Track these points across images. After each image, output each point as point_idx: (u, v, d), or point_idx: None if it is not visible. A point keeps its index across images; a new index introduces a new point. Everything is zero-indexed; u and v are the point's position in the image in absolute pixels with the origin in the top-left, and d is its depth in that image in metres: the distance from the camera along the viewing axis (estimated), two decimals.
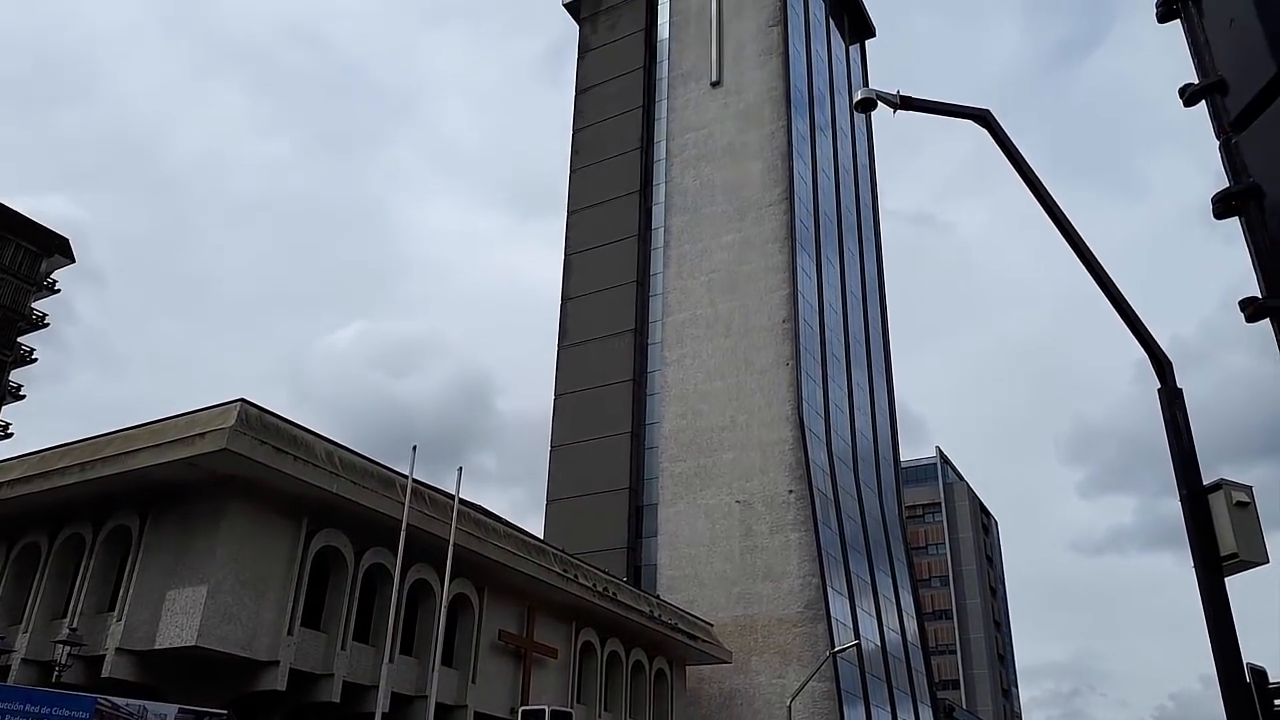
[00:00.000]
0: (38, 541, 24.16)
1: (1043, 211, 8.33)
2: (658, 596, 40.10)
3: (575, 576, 31.71)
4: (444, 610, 24.15)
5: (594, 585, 32.55)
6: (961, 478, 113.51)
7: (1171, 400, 7.13)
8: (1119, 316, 7.69)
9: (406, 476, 23.03)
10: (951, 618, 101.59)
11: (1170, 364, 7.37)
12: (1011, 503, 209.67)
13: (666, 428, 49.49)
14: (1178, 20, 5.14)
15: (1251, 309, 4.49)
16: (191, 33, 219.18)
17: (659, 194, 56.06)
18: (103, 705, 16.91)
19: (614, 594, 33.68)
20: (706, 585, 44.63)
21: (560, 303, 56.72)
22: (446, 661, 26.29)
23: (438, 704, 23.37)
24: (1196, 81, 4.93)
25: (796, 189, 51.90)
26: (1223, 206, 4.59)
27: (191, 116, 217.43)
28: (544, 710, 17.85)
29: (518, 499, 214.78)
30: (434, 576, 25.88)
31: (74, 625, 21.10)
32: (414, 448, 22.89)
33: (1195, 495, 6.63)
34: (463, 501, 24.38)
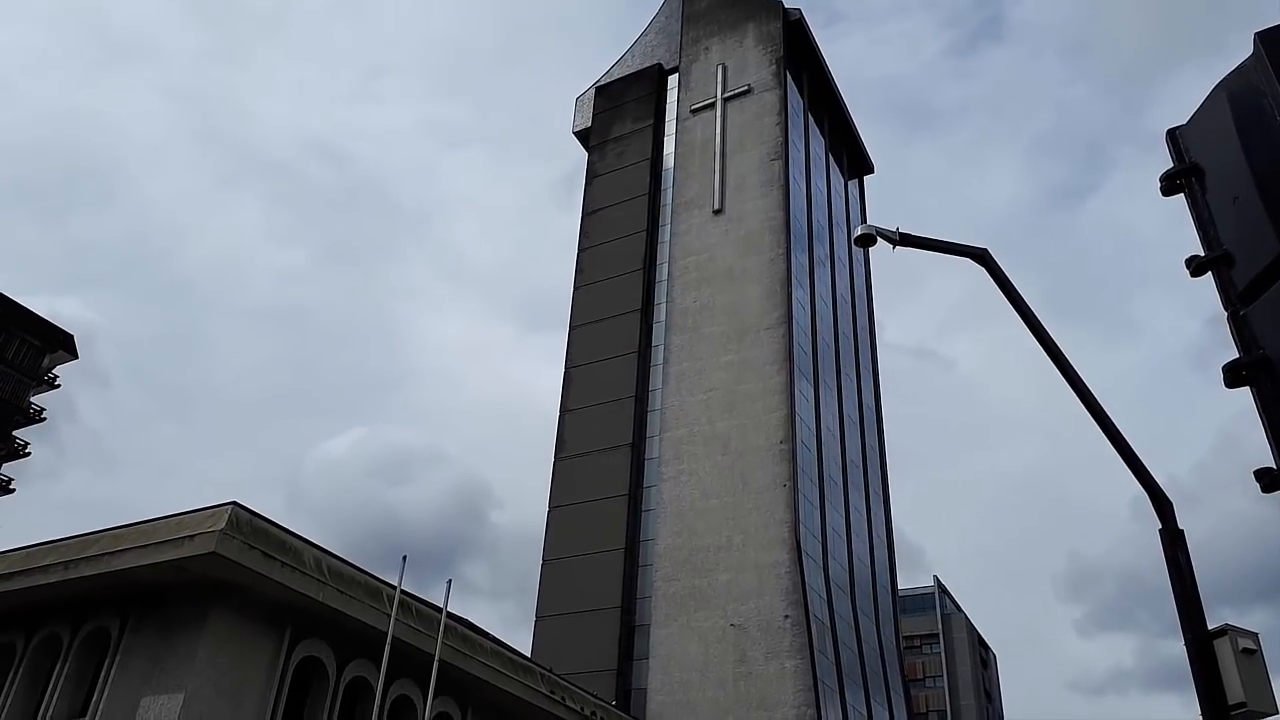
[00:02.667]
0: (14, 642, 23.50)
1: (1038, 350, 8.47)
2: None
3: (563, 699, 30.72)
4: None
5: (581, 709, 31.50)
6: (959, 609, 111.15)
7: (1174, 541, 7.10)
8: (1119, 456, 7.73)
9: (395, 587, 22.62)
10: None
11: (1171, 504, 7.37)
12: (1010, 637, 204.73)
13: (661, 545, 48.81)
14: (1181, 195, 5.37)
15: (1267, 480, 4.55)
16: (220, 145, 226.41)
17: (660, 313, 56.86)
18: None
19: (602, 719, 32.55)
20: (699, 713, 43.18)
21: (559, 415, 56.80)
22: None
23: None
24: (1201, 253, 5.12)
25: (795, 314, 52.69)
26: (1233, 377, 4.69)
27: (210, 224, 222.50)
28: None
29: (508, 613, 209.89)
30: (417, 693, 25.08)
31: None
32: (404, 558, 22.59)
33: (1200, 641, 6.53)
34: (451, 615, 23.86)
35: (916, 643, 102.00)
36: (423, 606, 25.39)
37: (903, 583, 75.71)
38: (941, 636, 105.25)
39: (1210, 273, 5.03)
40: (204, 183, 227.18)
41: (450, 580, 23.89)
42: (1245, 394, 4.67)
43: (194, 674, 20.50)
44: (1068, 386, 8.22)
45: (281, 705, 22.27)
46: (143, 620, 21.86)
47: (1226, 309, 4.89)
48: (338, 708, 23.81)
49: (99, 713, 20.74)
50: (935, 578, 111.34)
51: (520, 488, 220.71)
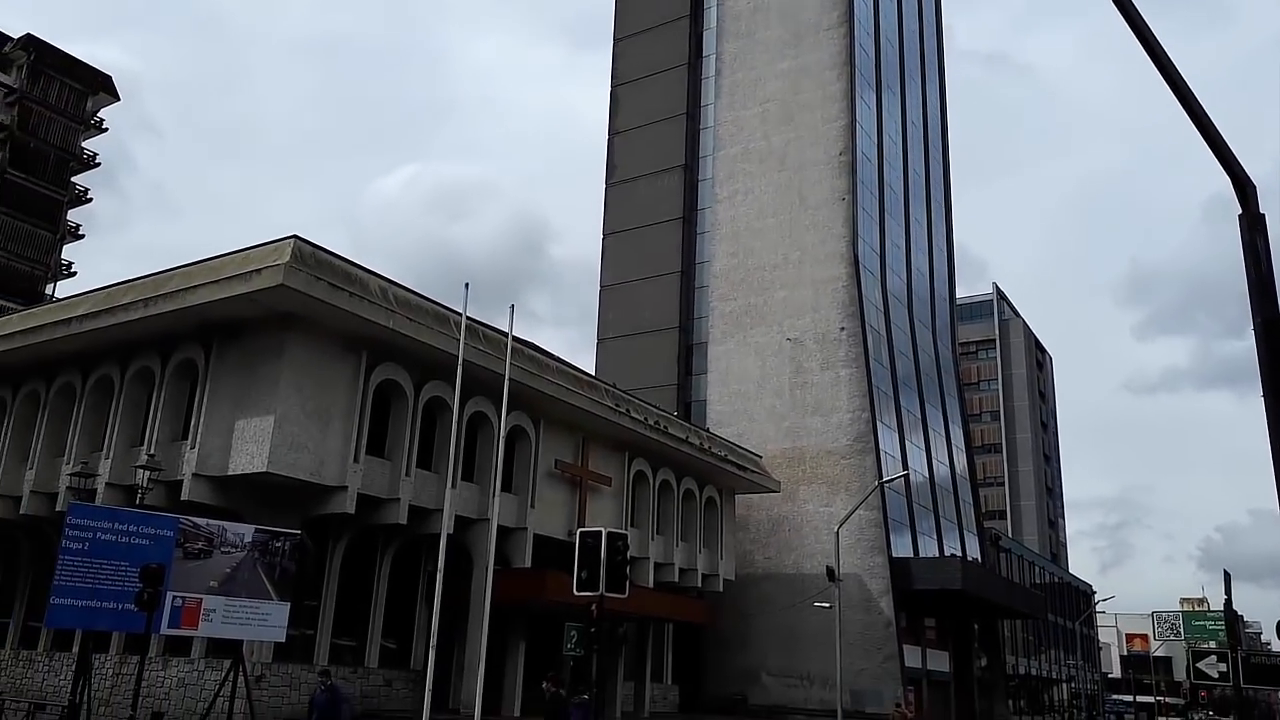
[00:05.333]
0: (110, 374, 25.17)
1: (1125, 37, 7.67)
2: (707, 430, 40.94)
3: (627, 411, 32.37)
4: (502, 441, 24.91)
5: (645, 419, 33.25)
6: (1017, 314, 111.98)
7: (1253, 225, 6.74)
8: (1202, 137, 7.18)
9: (460, 313, 23.30)
10: (1001, 451, 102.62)
11: (1254, 187, 6.93)
12: (1067, 341, 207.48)
13: (717, 266, 49.08)
14: None
15: None
16: None
17: (710, 18, 53.46)
18: (185, 525, 17.98)
19: (665, 427, 34.42)
20: (756, 420, 45.34)
21: (608, 138, 55.43)
22: (506, 488, 27.38)
23: (499, 526, 24.51)
24: None
25: (857, 12, 49.06)
26: None
27: None
28: (600, 532, 18.54)
29: (571, 338, 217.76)
30: (491, 409, 26.60)
31: (152, 451, 22.20)
32: (466, 285, 23.00)
33: (1270, 323, 6.35)
34: (516, 338, 24.70)
35: (973, 348, 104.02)
36: (489, 331, 26.30)
37: (961, 292, 75.98)
38: (998, 341, 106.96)
39: None
40: None
41: (513, 305, 24.43)
42: None
43: (280, 399, 21.87)
44: (1148, 82, 7.53)
45: (366, 423, 23.85)
46: (225, 351, 23.07)
47: None
48: (419, 424, 25.46)
49: (198, 435, 22.48)
50: (994, 284, 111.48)
51: (576, 217, 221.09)
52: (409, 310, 24.00)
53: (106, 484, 23.51)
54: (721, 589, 38.62)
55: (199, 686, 22.10)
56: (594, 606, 18.05)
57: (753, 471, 39.75)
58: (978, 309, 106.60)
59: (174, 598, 17.08)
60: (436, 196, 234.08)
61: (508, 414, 24.35)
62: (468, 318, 23.22)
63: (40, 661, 25.60)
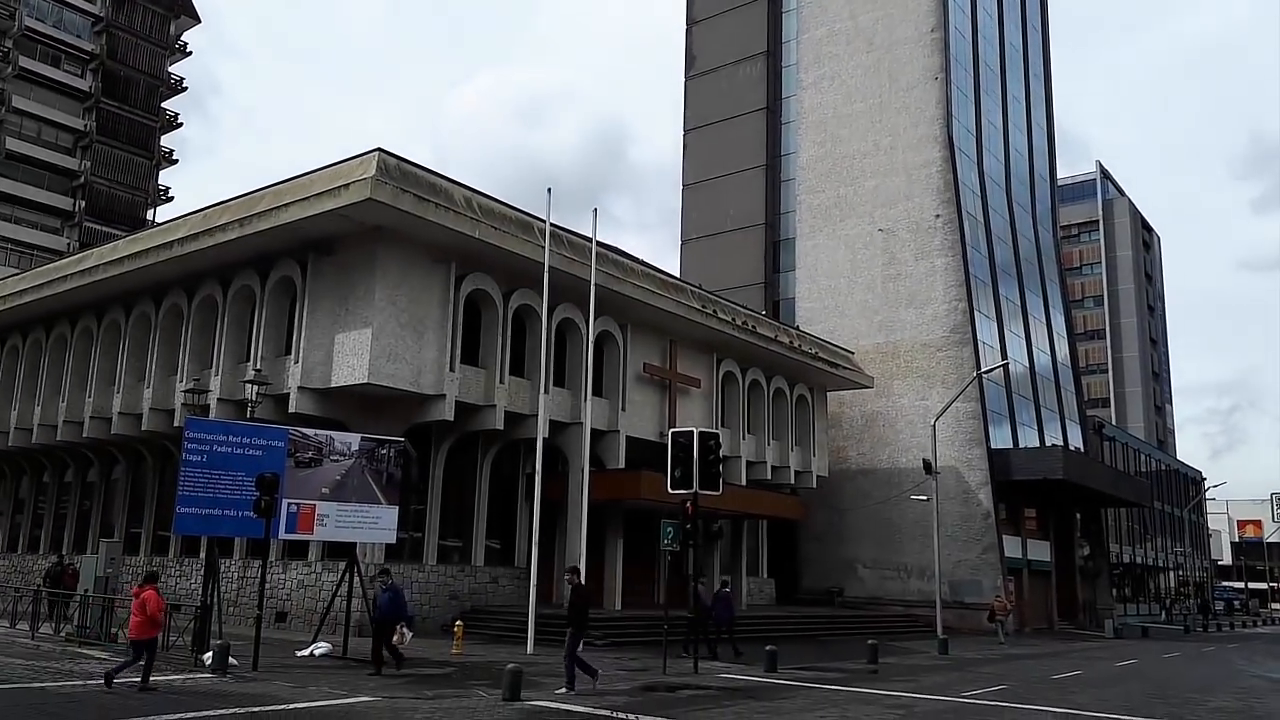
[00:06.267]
0: (213, 294, 26.04)
1: None
2: (797, 328, 40.43)
3: (714, 311, 32.10)
4: (590, 345, 25.08)
5: (732, 319, 32.95)
6: (1122, 193, 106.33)
7: None
8: None
9: (544, 220, 23.19)
10: (1104, 338, 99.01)
11: None
12: (1176, 220, 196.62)
13: (804, 157, 47.59)
14: None
15: None
16: None
17: None
18: (294, 435, 18.67)
19: (753, 327, 34.08)
20: (847, 315, 44.52)
21: (685, 28, 53.64)
22: (597, 392, 27.66)
23: (591, 429, 24.85)
24: None
25: None
26: None
27: None
28: (692, 433, 18.62)
29: (655, 242, 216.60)
30: (578, 315, 26.69)
31: (258, 367, 23.03)
32: (549, 190, 22.82)
33: None
34: (600, 243, 24.52)
35: (1075, 231, 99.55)
36: (573, 237, 26.17)
37: (1062, 173, 72.29)
38: (1101, 223, 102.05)
39: None
40: None
41: (595, 210, 24.16)
42: None
43: (376, 311, 22.32)
44: None
45: (459, 333, 24.23)
46: (321, 267, 23.55)
47: None
48: (509, 332, 25.75)
49: (300, 350, 23.19)
50: (1098, 163, 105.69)
51: (655, 118, 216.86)
52: (494, 219, 24.00)
53: (218, 399, 24.57)
54: (815, 485, 38.69)
55: (317, 587, 23.38)
56: (688, 504, 18.27)
57: (844, 368, 39.24)
58: (1080, 189, 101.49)
59: (289, 504, 17.86)
60: (516, 103, 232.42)
61: (595, 319, 24.40)
62: (551, 224, 23.11)
63: (172, 566, 27.40)
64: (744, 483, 33.64)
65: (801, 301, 46.12)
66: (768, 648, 19.34)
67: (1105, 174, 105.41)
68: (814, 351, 37.24)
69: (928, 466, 31.55)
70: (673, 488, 18.34)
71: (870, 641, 22.15)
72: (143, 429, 27.27)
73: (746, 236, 48.88)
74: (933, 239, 42.92)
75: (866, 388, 41.11)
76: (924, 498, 33.20)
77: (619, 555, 28.54)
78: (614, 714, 12.65)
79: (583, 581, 15.84)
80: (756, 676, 18.03)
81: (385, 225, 22.24)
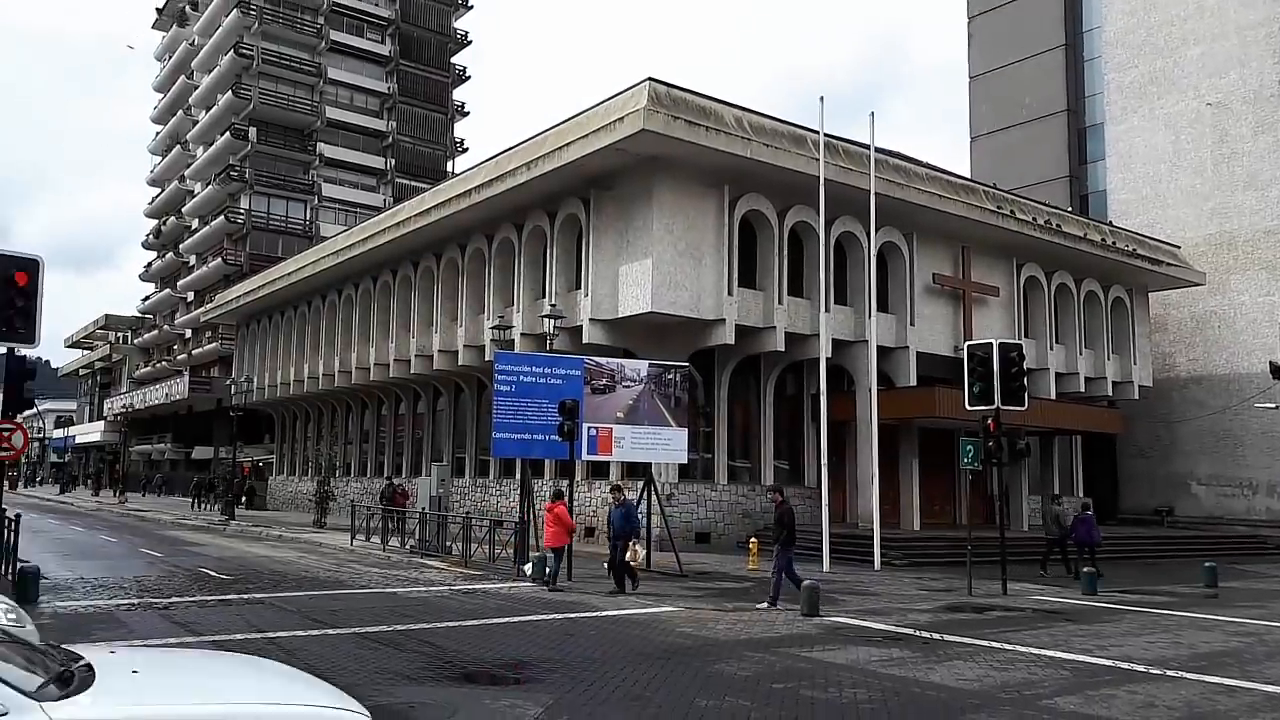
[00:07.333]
0: (509, 237, 27.83)
1: None
2: (1109, 223, 36.45)
3: (1011, 212, 29.68)
4: (873, 259, 24.09)
5: (1033, 219, 30.29)
6: None
7: None
8: None
9: (817, 132, 22.37)
10: None
11: None
12: None
13: (1111, 30, 42.26)
14: None
15: None
16: None
17: None
18: (589, 364, 19.71)
19: (1057, 226, 31.15)
20: (1170, 205, 39.47)
21: None
22: (882, 308, 26.58)
23: (878, 346, 24.00)
24: None
25: None
26: None
27: None
28: (991, 344, 17.40)
29: (940, 144, 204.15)
30: (858, 227, 25.72)
31: (553, 302, 24.43)
32: (821, 99, 21.91)
33: None
34: (879, 149, 23.29)
35: None
36: (849, 145, 25.10)
37: None
38: None
39: None
40: None
41: (873, 114, 22.94)
42: None
43: (655, 241, 22.82)
44: None
45: (735, 257, 24.24)
46: (602, 204, 24.42)
47: None
48: (786, 251, 25.36)
49: (589, 283, 24.27)
50: None
51: (934, 12, 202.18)
52: (765, 136, 23.55)
53: (520, 334, 26.40)
54: (1137, 396, 35.09)
55: None
56: (990, 421, 17.18)
57: (1168, 264, 34.97)
58: None
59: (589, 428, 18.94)
60: (784, 10, 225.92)
61: (876, 231, 23.37)
62: (825, 134, 22.25)
63: (493, 487, 30.14)
64: (1053, 396, 31.19)
65: (1114, 193, 41.48)
66: (1084, 570, 17.97)
67: None
68: (1131, 248, 33.46)
69: (1276, 370, 27.59)
70: (971, 404, 17.32)
71: (1208, 564, 19.91)
72: (459, 364, 29.95)
73: (1045, 127, 44.54)
74: (1276, 109, 36.77)
75: (1196, 285, 36.44)
76: (1273, 405, 29.11)
77: (915, 474, 27.66)
78: (917, 632, 12.32)
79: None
80: (1073, 599, 16.83)
81: (659, 154, 22.53)
